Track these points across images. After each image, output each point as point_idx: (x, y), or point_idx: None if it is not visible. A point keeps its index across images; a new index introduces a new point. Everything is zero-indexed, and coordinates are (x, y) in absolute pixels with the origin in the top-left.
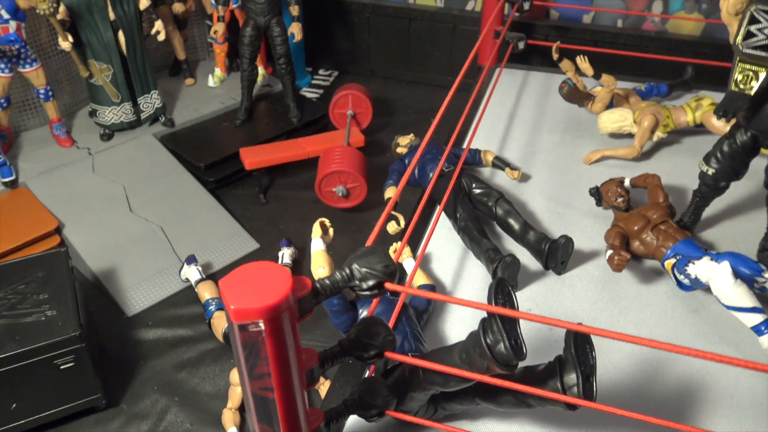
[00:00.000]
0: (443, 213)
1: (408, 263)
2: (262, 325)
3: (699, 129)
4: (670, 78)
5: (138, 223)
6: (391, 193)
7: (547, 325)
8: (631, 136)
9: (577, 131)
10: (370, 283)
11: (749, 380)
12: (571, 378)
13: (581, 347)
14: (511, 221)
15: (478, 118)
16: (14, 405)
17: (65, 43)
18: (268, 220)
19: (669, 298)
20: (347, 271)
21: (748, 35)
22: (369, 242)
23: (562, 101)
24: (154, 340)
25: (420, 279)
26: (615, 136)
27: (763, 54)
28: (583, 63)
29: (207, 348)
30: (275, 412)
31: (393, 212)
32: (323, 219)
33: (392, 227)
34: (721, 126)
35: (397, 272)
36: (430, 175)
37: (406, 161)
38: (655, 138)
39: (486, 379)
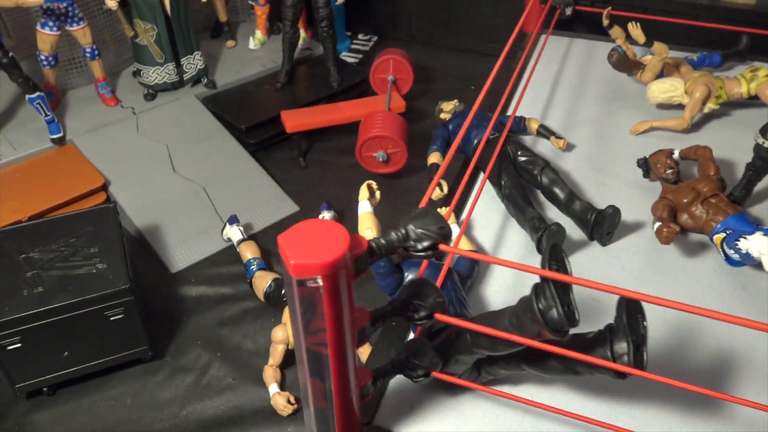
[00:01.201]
0: (487, 180)
1: (453, 229)
2: (320, 281)
3: (752, 101)
4: (722, 48)
5: (181, 183)
6: (435, 158)
7: (596, 292)
8: (680, 107)
9: (623, 101)
10: (425, 244)
11: None
12: (622, 346)
13: (633, 316)
14: (557, 190)
15: (524, 85)
16: (66, 353)
17: (111, 2)
18: (307, 183)
19: (716, 273)
20: (402, 231)
21: None
22: (422, 205)
23: (608, 70)
24: (196, 297)
25: (464, 245)
26: (663, 106)
27: None
28: (635, 30)
29: (248, 306)
30: (327, 367)
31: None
32: (370, 181)
33: (435, 193)
34: None
35: (451, 234)
36: (474, 141)
37: (450, 127)
38: (706, 109)
39: (535, 344)
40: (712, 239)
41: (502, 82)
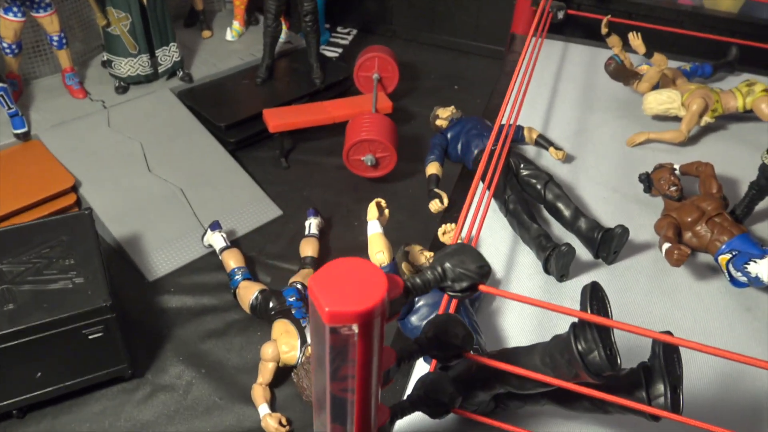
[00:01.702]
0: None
1: None
2: (355, 329)
3: (746, 115)
4: (707, 57)
5: (157, 184)
6: (434, 168)
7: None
8: (676, 119)
9: (618, 110)
10: (464, 284)
11: None
12: (658, 388)
13: (669, 356)
14: (561, 206)
15: (519, 91)
16: (39, 374)
17: None
18: (290, 185)
19: (722, 294)
20: (439, 270)
21: None
22: (455, 236)
23: (601, 77)
24: (177, 308)
25: None
26: (659, 118)
27: None
28: (636, 40)
29: (232, 318)
30: (351, 412)
31: (436, 190)
32: (379, 199)
33: (435, 206)
34: None
35: (490, 272)
36: (475, 152)
37: (449, 135)
38: (702, 123)
39: (570, 386)
40: (716, 260)
41: (493, 87)
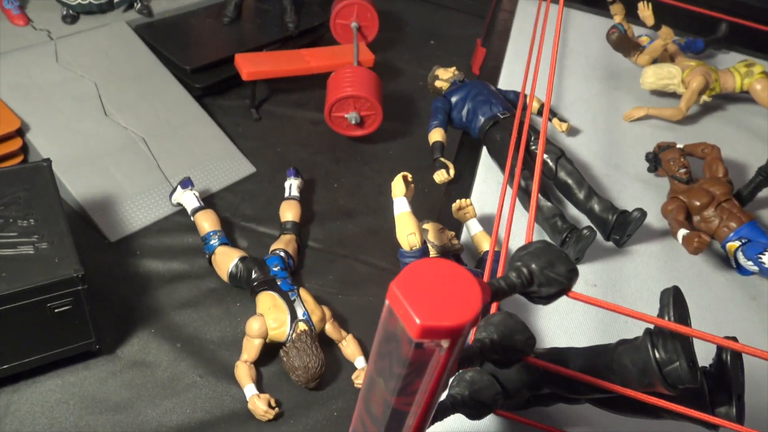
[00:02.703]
0: (497, 166)
1: (473, 224)
2: (445, 344)
3: (741, 95)
4: (693, 31)
5: (116, 131)
6: (438, 135)
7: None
8: (673, 95)
9: (612, 81)
10: (552, 290)
11: None
12: (723, 397)
13: (734, 363)
14: (574, 185)
15: (536, 60)
16: None
17: None
18: (263, 140)
19: (728, 282)
20: (526, 272)
21: None
22: (528, 236)
23: (597, 46)
24: (144, 274)
25: (485, 243)
26: (655, 93)
27: None
28: (646, 10)
29: (208, 287)
30: (407, 425)
31: (442, 159)
32: (405, 173)
33: (440, 176)
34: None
35: (577, 277)
36: (482, 119)
37: (453, 99)
38: (701, 101)
39: (638, 395)
40: (724, 247)
41: (488, 48)
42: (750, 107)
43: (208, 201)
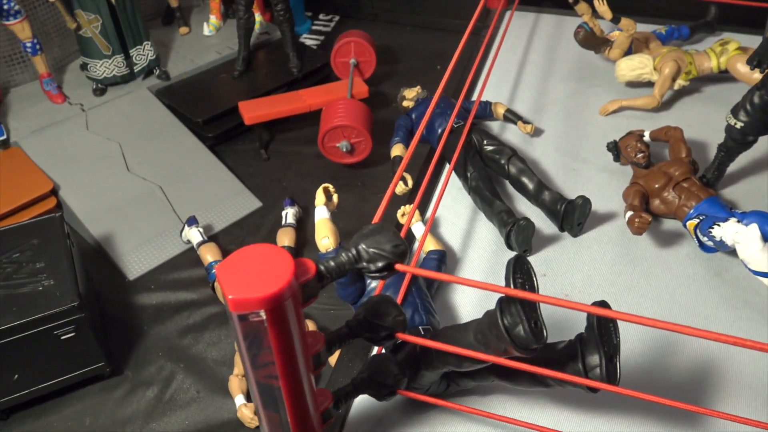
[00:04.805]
0: (453, 172)
1: (417, 228)
2: (263, 315)
3: (723, 75)
4: (690, 20)
5: (136, 183)
6: (398, 150)
7: (566, 294)
8: (650, 84)
9: (592, 80)
10: (379, 264)
11: None
12: (594, 359)
13: (604, 326)
14: (525, 180)
15: (489, 66)
16: (16, 376)
17: None
18: (270, 176)
19: (691, 260)
20: (353, 252)
21: None
22: (377, 216)
23: (575, 47)
24: (157, 305)
25: (430, 244)
26: (633, 84)
27: None
28: (602, 6)
29: (211, 312)
30: (281, 399)
31: (403, 174)
32: (327, 185)
33: (399, 188)
34: (748, 73)
35: (407, 252)
36: (439, 131)
37: (413, 116)
38: (676, 86)
39: (502, 361)
40: (685, 225)
41: (466, 63)
42: (729, 86)
43: (216, 235)
